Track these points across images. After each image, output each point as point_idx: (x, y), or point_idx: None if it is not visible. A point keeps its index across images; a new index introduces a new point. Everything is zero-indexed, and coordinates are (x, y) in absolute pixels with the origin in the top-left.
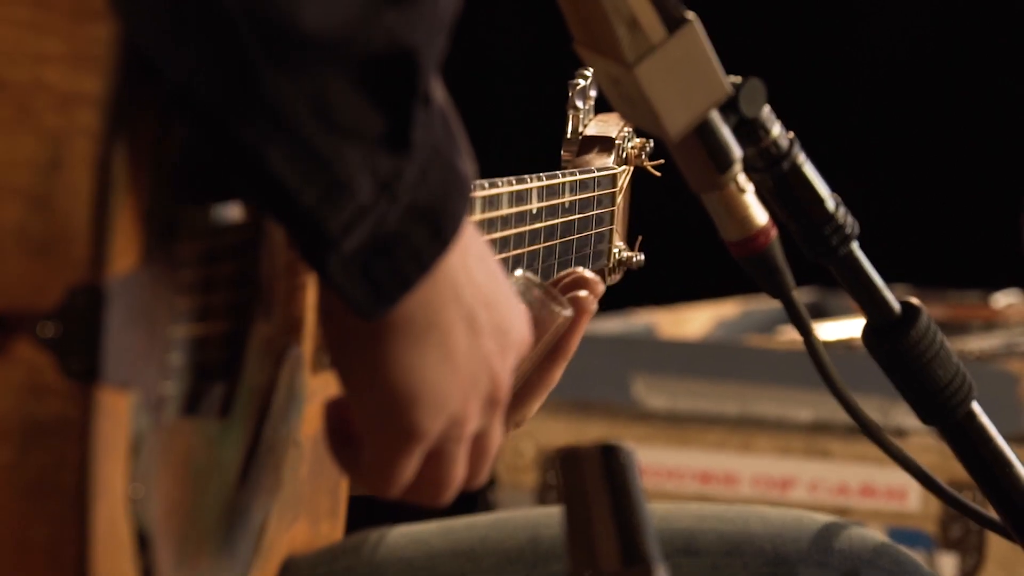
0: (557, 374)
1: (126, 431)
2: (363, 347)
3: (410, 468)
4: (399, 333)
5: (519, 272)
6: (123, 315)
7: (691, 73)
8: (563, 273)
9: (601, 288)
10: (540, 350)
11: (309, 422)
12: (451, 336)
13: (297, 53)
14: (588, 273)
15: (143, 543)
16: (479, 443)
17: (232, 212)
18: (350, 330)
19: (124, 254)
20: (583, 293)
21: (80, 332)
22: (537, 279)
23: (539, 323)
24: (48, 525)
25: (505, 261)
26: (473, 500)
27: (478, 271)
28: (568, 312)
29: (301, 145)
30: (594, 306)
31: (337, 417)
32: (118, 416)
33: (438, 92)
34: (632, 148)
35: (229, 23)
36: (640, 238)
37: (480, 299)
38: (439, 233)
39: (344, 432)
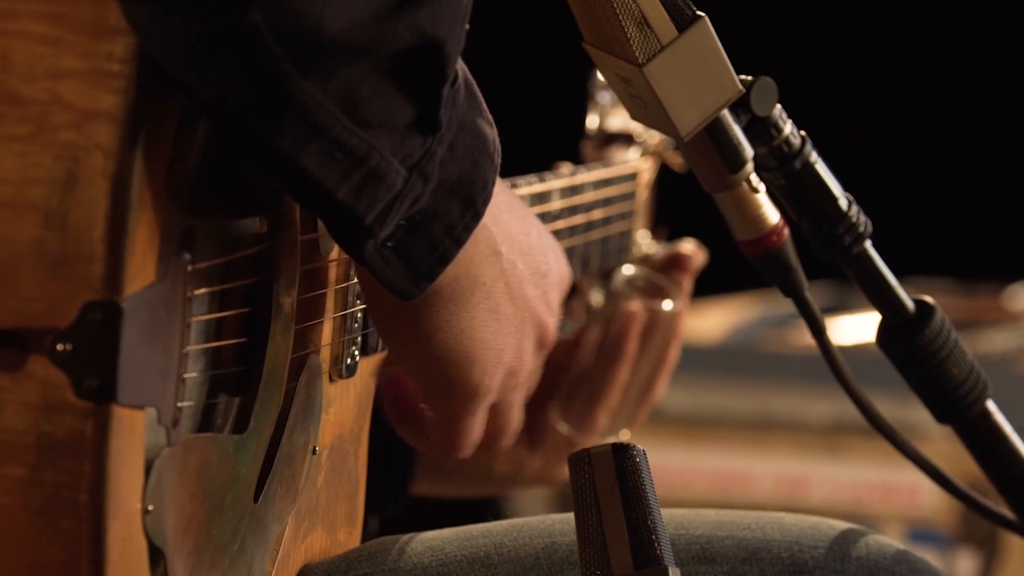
0: (675, 354)
1: (141, 448)
2: (412, 318)
3: (478, 426)
4: (445, 298)
5: (625, 271)
6: (138, 332)
7: (702, 72)
8: (668, 252)
9: (699, 258)
10: (656, 345)
11: (327, 431)
12: (495, 291)
13: (325, 58)
14: (686, 248)
15: (156, 559)
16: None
17: (248, 226)
18: (397, 305)
19: (140, 270)
20: (685, 280)
21: (95, 350)
22: (642, 275)
23: (650, 321)
24: (63, 543)
25: None
26: (485, 506)
27: (510, 221)
28: (673, 306)
29: (335, 145)
30: (689, 284)
31: (394, 392)
32: (133, 434)
33: (459, 63)
34: (656, 142)
35: (257, 36)
36: (667, 230)
37: (516, 248)
38: (471, 204)
39: (403, 405)
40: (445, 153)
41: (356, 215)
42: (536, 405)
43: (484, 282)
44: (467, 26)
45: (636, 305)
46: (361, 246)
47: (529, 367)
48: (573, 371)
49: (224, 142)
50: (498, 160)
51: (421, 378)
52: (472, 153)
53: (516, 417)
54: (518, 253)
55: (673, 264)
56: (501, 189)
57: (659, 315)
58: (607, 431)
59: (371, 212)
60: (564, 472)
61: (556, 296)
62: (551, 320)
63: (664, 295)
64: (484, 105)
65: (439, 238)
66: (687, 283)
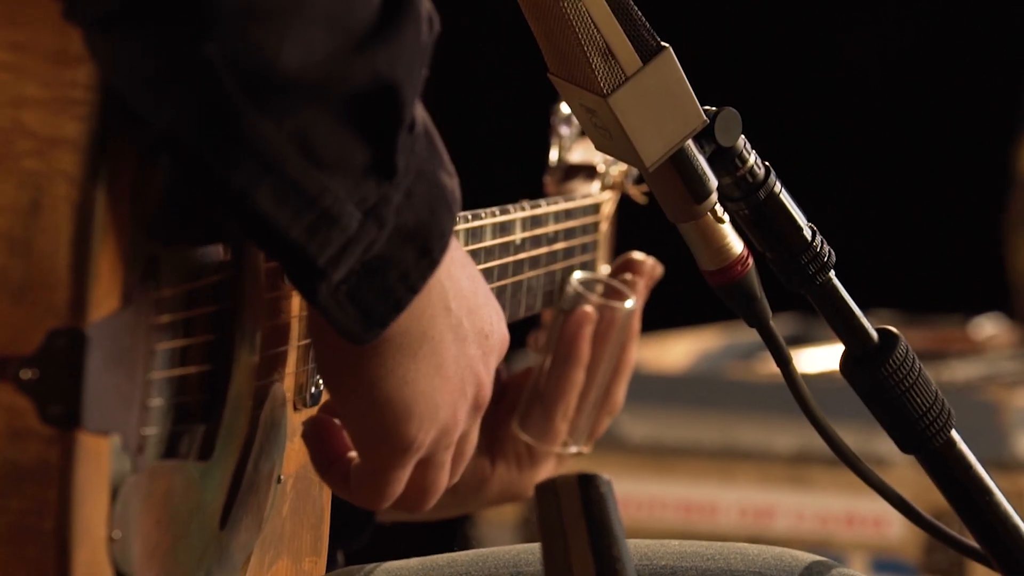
0: (633, 357)
1: (106, 475)
2: (358, 365)
3: (404, 479)
4: (394, 347)
5: (577, 275)
6: (103, 359)
7: (666, 102)
8: (618, 260)
9: (650, 263)
10: (612, 347)
11: (291, 459)
12: (441, 346)
13: (279, 95)
14: (637, 255)
15: None
16: (459, 446)
17: (213, 253)
18: (345, 349)
19: (104, 297)
20: (639, 282)
21: (60, 376)
22: (596, 277)
23: (605, 322)
24: (28, 570)
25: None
26: (452, 535)
27: (462, 278)
28: (630, 304)
29: (287, 184)
30: (644, 285)
31: (320, 437)
32: (98, 460)
33: (419, 110)
34: (617, 175)
35: (211, 70)
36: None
37: (464, 306)
38: (428, 253)
39: (328, 451)
40: (402, 200)
41: (308, 256)
42: (496, 417)
43: (433, 336)
44: (425, 72)
45: (589, 307)
46: (314, 289)
47: (462, 428)
48: (531, 379)
49: (182, 174)
50: (457, 212)
51: (357, 425)
52: (430, 202)
53: (443, 478)
54: (465, 311)
55: (625, 268)
56: (456, 245)
57: (615, 314)
58: (568, 440)
59: (324, 254)
60: (528, 486)
61: (495, 360)
62: (488, 382)
63: (619, 296)
64: (446, 156)
65: (393, 285)
66: (642, 284)
